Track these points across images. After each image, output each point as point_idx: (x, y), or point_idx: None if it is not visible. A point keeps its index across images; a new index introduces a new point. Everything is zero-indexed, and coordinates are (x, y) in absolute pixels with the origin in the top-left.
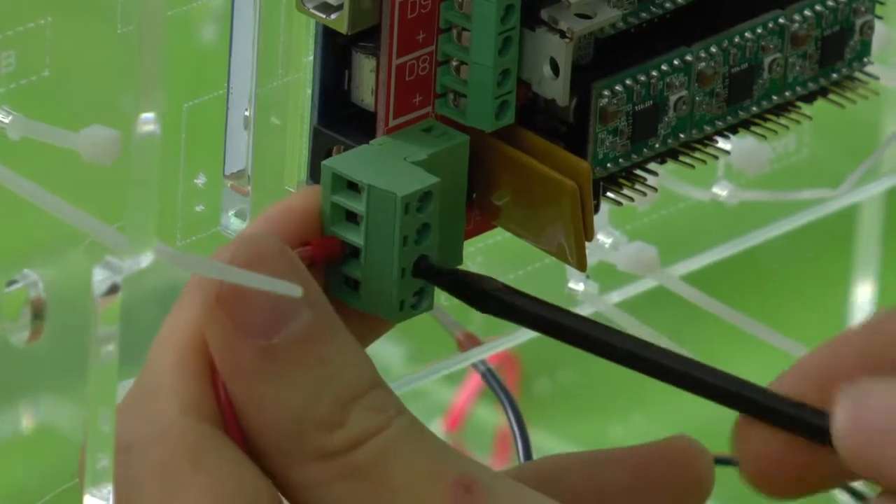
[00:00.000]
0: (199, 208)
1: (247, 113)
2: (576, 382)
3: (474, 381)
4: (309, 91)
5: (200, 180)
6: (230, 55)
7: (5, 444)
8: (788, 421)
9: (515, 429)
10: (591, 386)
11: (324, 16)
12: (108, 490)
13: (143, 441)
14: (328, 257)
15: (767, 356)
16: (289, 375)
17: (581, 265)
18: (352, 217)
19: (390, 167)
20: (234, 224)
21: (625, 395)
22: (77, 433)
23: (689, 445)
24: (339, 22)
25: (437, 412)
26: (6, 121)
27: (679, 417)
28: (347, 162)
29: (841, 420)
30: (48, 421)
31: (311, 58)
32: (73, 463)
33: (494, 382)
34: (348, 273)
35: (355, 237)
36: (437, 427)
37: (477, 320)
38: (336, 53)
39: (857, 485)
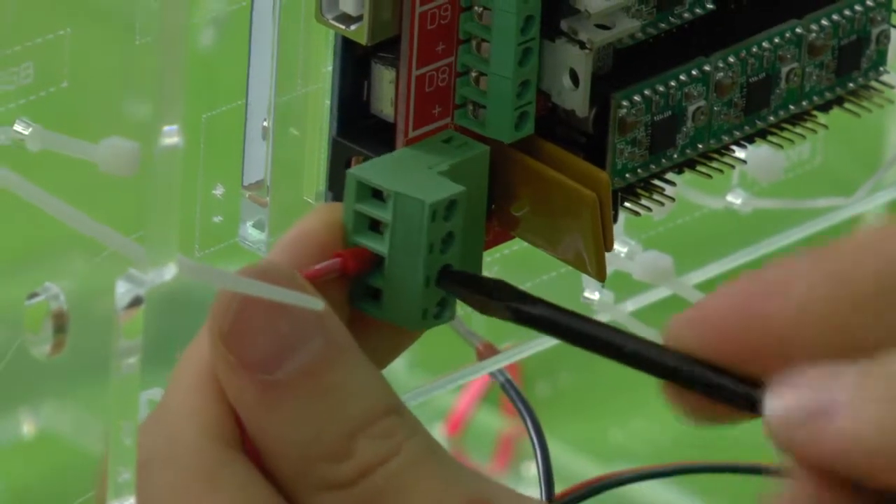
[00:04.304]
0: (217, 219)
1: (265, 123)
2: (576, 386)
3: (476, 385)
4: (328, 102)
5: (219, 191)
6: (249, 65)
7: (16, 449)
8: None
9: (534, 439)
10: (591, 389)
11: (343, 27)
12: (130, 503)
13: (160, 460)
14: (360, 268)
15: None
16: (293, 409)
17: (600, 275)
18: (375, 226)
19: (414, 176)
20: (253, 235)
21: (625, 399)
22: (84, 440)
23: None
24: (359, 33)
25: (439, 417)
26: (25, 132)
27: (679, 421)
28: (372, 170)
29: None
30: (59, 428)
31: (331, 68)
32: (81, 469)
33: (513, 393)
34: (370, 282)
35: (379, 246)
36: (438, 432)
37: (482, 327)
38: (355, 64)
39: None
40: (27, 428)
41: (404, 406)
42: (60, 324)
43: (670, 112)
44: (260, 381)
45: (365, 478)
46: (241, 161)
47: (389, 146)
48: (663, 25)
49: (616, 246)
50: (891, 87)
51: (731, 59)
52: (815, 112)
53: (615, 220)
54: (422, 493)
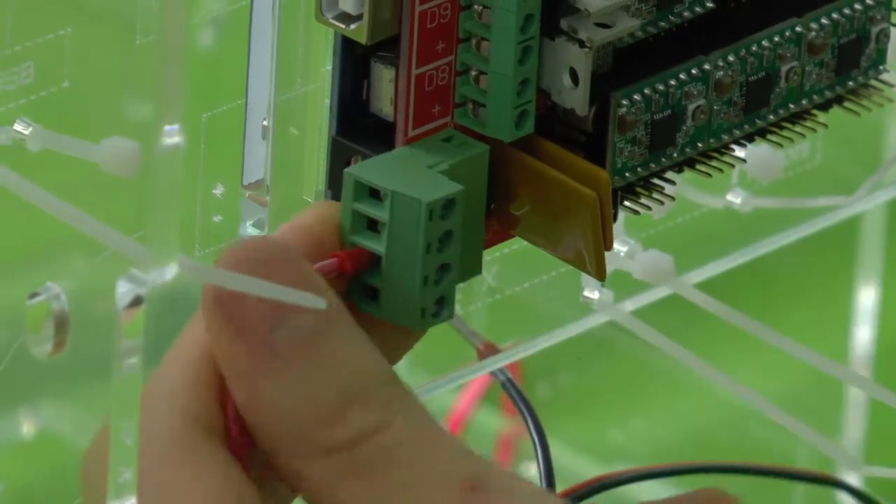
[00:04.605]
0: (216, 219)
1: (265, 123)
2: (575, 386)
3: (476, 385)
4: (327, 101)
5: (218, 191)
6: (248, 65)
7: (16, 449)
8: None
9: (536, 438)
10: (590, 389)
11: (343, 26)
12: (131, 503)
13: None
14: (358, 268)
15: (780, 363)
16: (286, 374)
17: (600, 275)
18: (373, 225)
19: (413, 175)
20: (253, 234)
21: (624, 399)
22: (84, 440)
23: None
24: (359, 32)
25: (439, 417)
26: (26, 132)
27: (678, 421)
28: (369, 169)
29: None
30: (59, 428)
31: (330, 68)
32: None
33: (514, 392)
34: (368, 282)
35: (377, 245)
36: None
37: (483, 326)
38: (355, 63)
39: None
40: (27, 428)
41: (400, 381)
42: (61, 324)
43: (670, 111)
44: (254, 346)
45: (357, 446)
46: (240, 160)
47: (389, 145)
48: (663, 24)
49: (616, 245)
50: (891, 85)
51: (731, 58)
52: (814, 111)
53: (615, 218)
54: (414, 468)
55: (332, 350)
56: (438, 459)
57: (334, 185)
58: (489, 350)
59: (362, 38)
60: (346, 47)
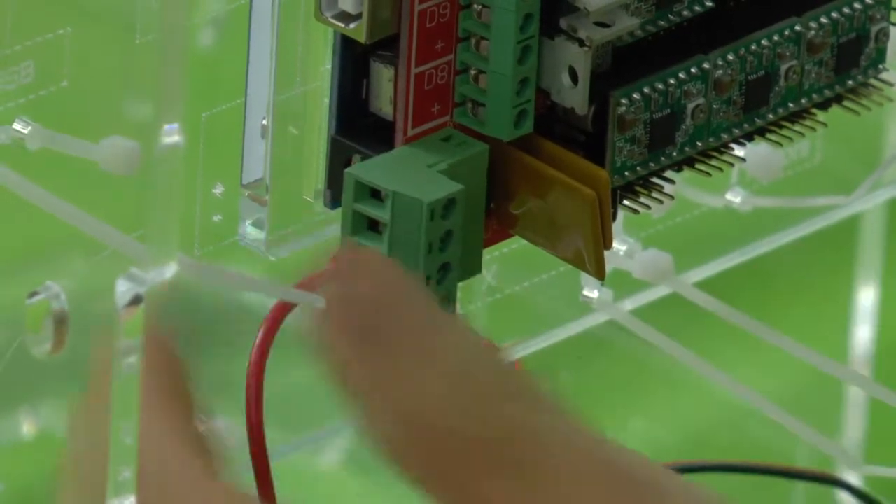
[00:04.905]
0: (216, 218)
1: (264, 122)
2: (575, 385)
3: None
4: (327, 100)
5: (218, 190)
6: (248, 64)
7: (16, 449)
8: None
9: None
10: (590, 389)
11: (342, 25)
12: (130, 502)
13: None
14: None
15: (780, 362)
16: (409, 372)
17: (599, 274)
18: (374, 226)
19: (413, 175)
20: (252, 233)
21: (623, 398)
22: None
23: None
24: (358, 31)
25: None
26: (25, 131)
27: (677, 420)
28: (370, 170)
29: None
30: (59, 428)
31: (330, 67)
32: None
33: None
34: None
35: (378, 245)
36: None
37: (482, 326)
38: (354, 62)
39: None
40: (27, 428)
41: (523, 370)
42: (61, 323)
43: (669, 110)
44: (373, 349)
45: (505, 441)
46: (240, 160)
47: (388, 144)
48: (662, 23)
49: (615, 244)
50: (890, 84)
51: (731, 57)
52: (814, 110)
53: (614, 218)
54: (562, 464)
55: (449, 343)
56: (585, 452)
57: (334, 184)
58: None
59: (361, 37)
60: (346, 46)
